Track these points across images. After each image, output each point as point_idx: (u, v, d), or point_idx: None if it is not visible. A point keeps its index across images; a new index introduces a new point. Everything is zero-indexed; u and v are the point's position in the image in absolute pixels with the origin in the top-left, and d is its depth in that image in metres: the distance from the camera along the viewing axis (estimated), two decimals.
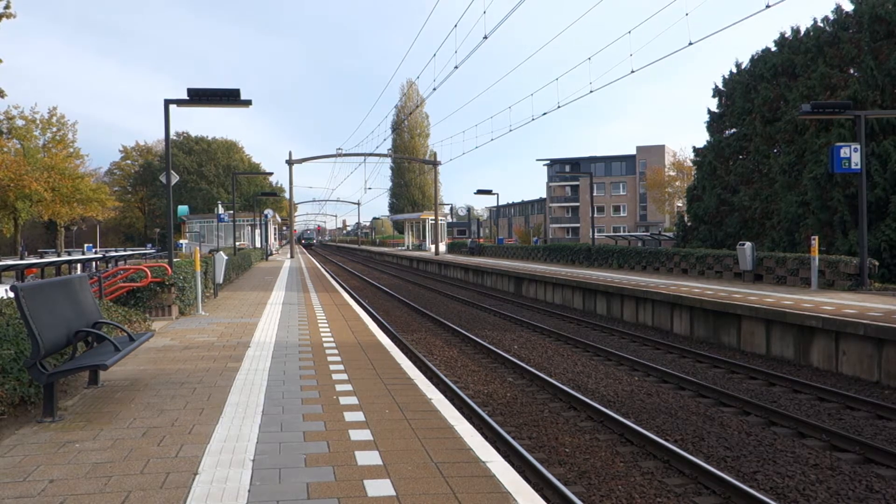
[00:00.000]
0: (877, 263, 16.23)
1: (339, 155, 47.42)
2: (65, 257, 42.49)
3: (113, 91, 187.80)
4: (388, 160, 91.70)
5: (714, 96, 31.55)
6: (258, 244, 50.22)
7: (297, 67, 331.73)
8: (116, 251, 55.96)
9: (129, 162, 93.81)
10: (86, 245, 58.03)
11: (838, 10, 25.21)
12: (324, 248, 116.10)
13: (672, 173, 73.23)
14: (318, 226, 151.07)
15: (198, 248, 19.68)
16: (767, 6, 13.23)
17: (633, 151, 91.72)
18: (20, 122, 50.82)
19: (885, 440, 7.21)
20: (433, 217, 51.73)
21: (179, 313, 12.31)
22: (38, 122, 52.74)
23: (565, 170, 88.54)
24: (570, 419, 8.09)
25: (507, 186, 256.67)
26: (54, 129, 53.83)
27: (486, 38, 19.58)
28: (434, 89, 31.16)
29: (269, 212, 55.20)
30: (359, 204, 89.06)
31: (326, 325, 10.93)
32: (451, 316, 18.33)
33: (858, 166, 14.93)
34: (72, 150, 53.81)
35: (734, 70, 30.24)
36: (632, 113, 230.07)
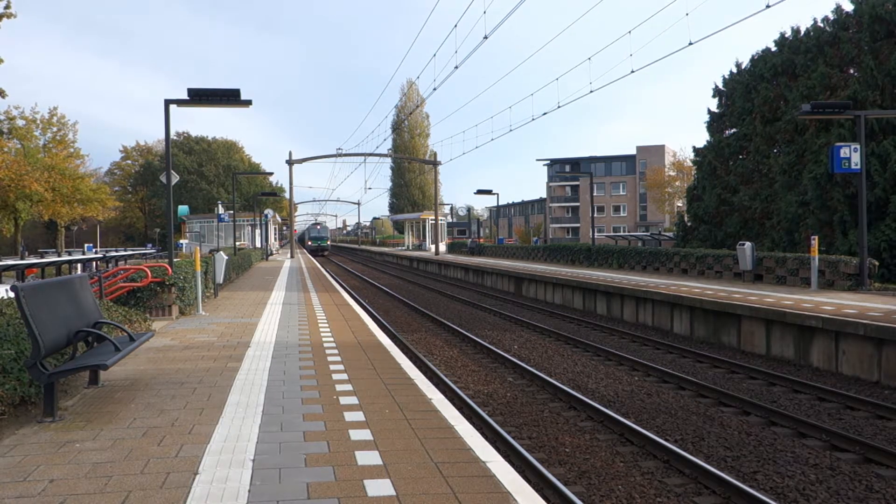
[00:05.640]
0: (877, 263, 16.23)
1: (339, 155, 47.44)
2: (65, 257, 42.51)
3: (113, 91, 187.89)
4: (389, 160, 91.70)
5: (714, 96, 31.56)
6: (258, 244, 50.22)
7: (297, 67, 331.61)
8: (117, 251, 56.00)
9: (129, 162, 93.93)
10: (86, 245, 58.03)
11: (838, 10, 25.22)
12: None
13: (672, 173, 73.23)
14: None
15: (198, 248, 19.69)
16: (767, 6, 13.23)
17: (633, 151, 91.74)
18: (21, 122, 50.79)
19: (885, 440, 7.21)
20: (433, 217, 51.73)
21: (179, 313, 12.31)
22: (38, 122, 52.73)
23: (565, 170, 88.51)
24: (570, 419, 8.09)
25: (507, 186, 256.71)
26: (55, 129, 53.83)
27: (486, 38, 19.59)
28: (434, 89, 31.17)
29: (269, 212, 55.21)
30: (359, 204, 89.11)
31: (326, 324, 10.93)
32: (451, 316, 18.33)
33: (858, 166, 14.93)
34: (72, 150, 53.81)
35: (734, 70, 30.25)
36: (632, 113, 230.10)
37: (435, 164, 51.11)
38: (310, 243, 74.27)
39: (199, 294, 12.87)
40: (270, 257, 46.57)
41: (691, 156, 34.93)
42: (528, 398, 9.14)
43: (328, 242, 77.84)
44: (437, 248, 46.67)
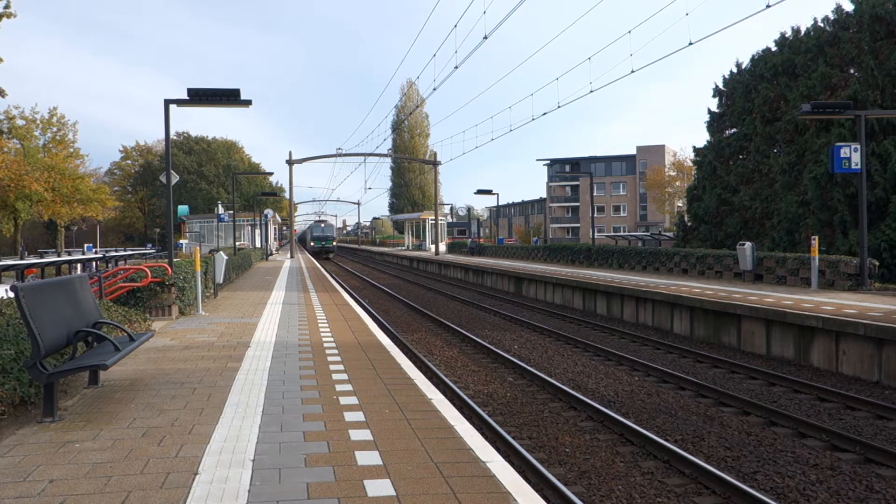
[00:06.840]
0: (877, 263, 16.23)
1: (339, 155, 47.43)
2: (65, 257, 42.52)
3: (113, 91, 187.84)
4: (388, 160, 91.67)
5: (714, 96, 31.57)
6: (258, 244, 50.22)
7: (297, 67, 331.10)
8: (116, 251, 56.02)
9: (129, 162, 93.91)
10: (86, 245, 58.07)
11: (838, 10, 25.22)
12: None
13: (672, 173, 73.19)
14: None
15: (198, 248, 19.69)
16: (767, 6, 13.22)
17: (633, 151, 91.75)
18: (20, 122, 50.74)
19: (885, 440, 7.21)
20: (433, 217, 51.74)
21: (179, 313, 12.31)
22: (38, 122, 52.68)
23: (565, 170, 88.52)
24: (570, 419, 8.08)
25: (507, 186, 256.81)
26: (54, 129, 53.77)
27: (486, 38, 19.58)
28: (434, 89, 31.15)
29: (269, 212, 55.19)
30: (359, 204, 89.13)
31: (326, 324, 10.92)
32: (451, 316, 18.32)
33: (858, 166, 14.92)
34: (72, 150, 53.76)
35: (734, 70, 30.26)
36: (632, 113, 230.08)
37: (435, 164, 51.10)
38: (312, 244, 64.49)
39: (199, 294, 12.87)
40: (270, 257, 46.56)
41: (691, 156, 34.96)
42: (528, 398, 9.13)
43: (334, 243, 66.78)
44: (437, 248, 46.67)
